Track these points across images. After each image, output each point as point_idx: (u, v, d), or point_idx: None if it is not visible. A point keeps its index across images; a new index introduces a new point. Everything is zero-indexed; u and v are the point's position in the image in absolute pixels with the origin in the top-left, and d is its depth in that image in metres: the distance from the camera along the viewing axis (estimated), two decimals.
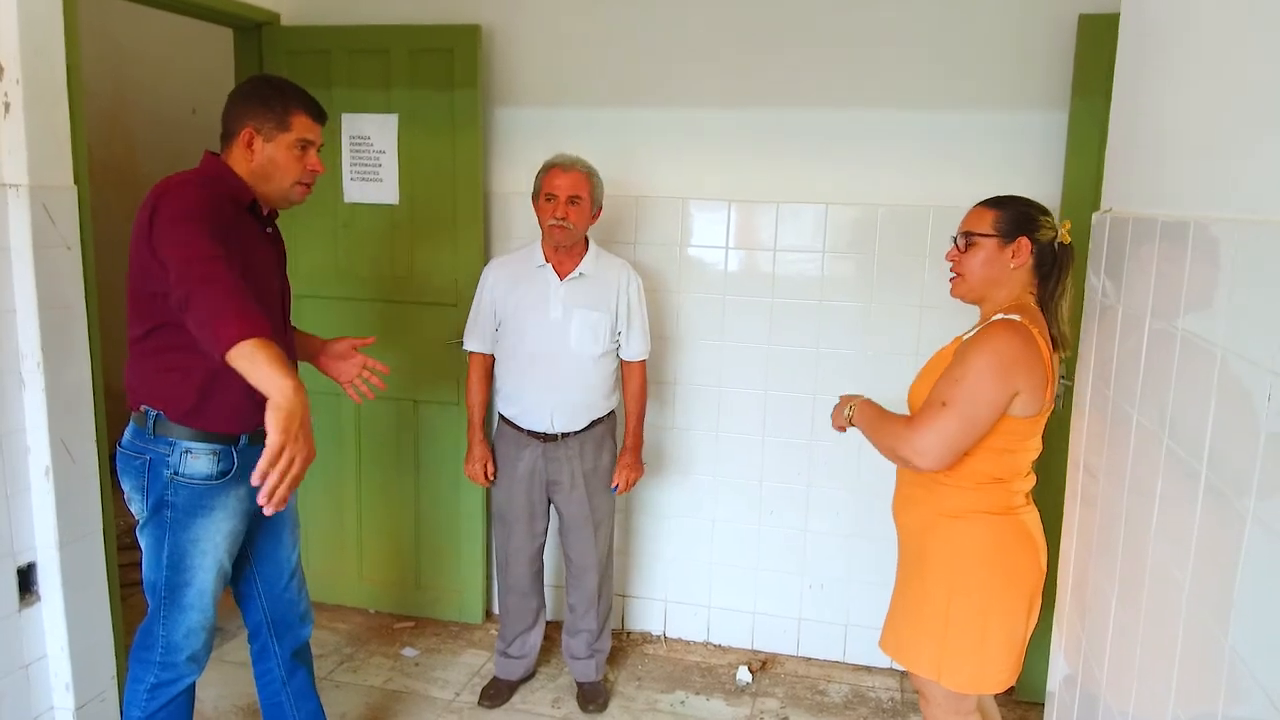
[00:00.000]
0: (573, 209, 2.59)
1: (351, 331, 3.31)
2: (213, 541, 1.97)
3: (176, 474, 1.91)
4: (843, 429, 2.13)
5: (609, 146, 3.09)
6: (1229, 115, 1.31)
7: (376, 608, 3.52)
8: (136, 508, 1.96)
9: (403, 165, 3.17)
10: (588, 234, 2.73)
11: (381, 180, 3.20)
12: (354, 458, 3.41)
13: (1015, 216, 1.88)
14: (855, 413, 2.06)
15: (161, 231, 1.77)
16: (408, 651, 3.24)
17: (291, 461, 1.54)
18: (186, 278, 1.67)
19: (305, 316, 3.33)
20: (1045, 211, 1.90)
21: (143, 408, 1.93)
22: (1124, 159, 1.90)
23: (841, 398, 2.15)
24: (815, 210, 3.02)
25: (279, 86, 1.99)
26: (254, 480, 1.54)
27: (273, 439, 1.52)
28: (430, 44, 3.07)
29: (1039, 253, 1.88)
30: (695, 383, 3.20)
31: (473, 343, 2.82)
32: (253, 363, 1.57)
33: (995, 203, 1.92)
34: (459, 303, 3.15)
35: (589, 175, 2.64)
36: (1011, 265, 1.88)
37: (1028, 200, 1.91)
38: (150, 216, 1.81)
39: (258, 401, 2.00)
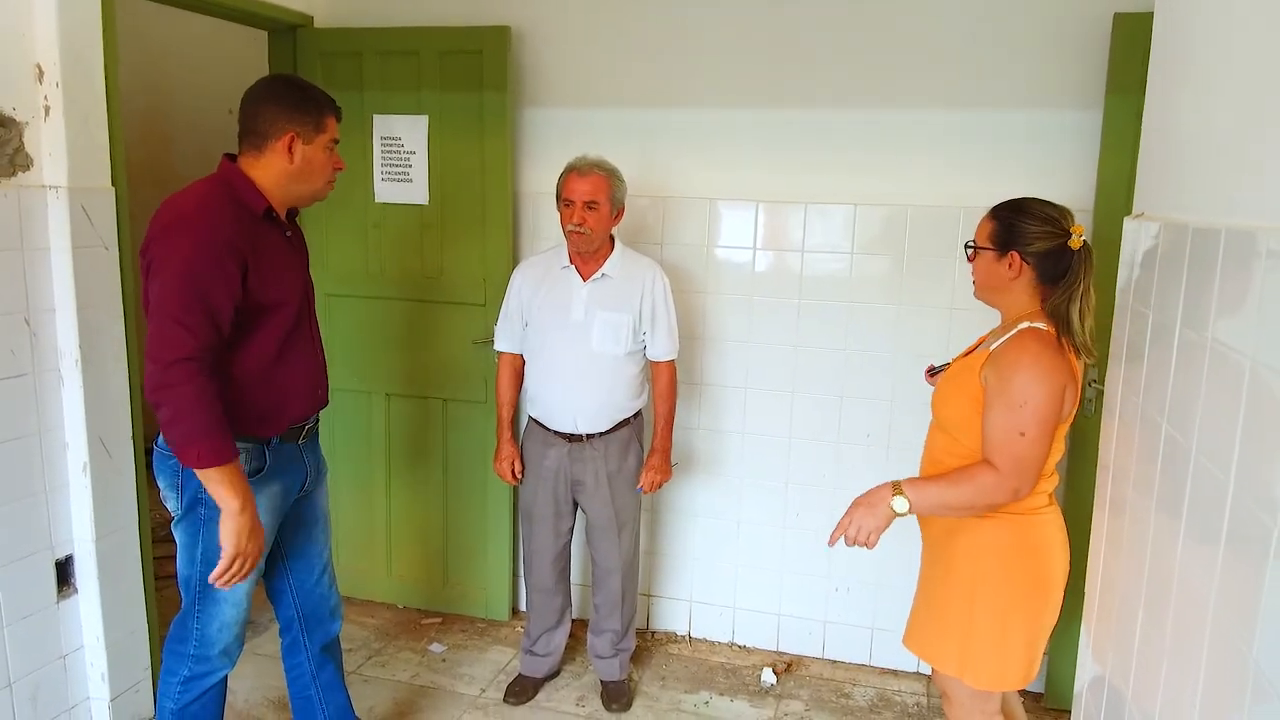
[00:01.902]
0: (590, 214, 2.58)
1: (380, 330, 3.36)
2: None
3: None
4: (881, 527, 1.85)
5: (637, 147, 3.10)
6: (1262, 118, 1.29)
7: (405, 603, 3.56)
8: (172, 505, 2.00)
9: (433, 166, 3.20)
10: (614, 234, 2.73)
11: (412, 181, 3.23)
12: (383, 455, 3.45)
13: (1005, 230, 1.87)
14: (913, 501, 1.83)
15: (153, 282, 1.83)
16: (435, 647, 3.28)
17: (244, 563, 1.90)
18: (158, 381, 1.79)
19: (336, 315, 3.39)
20: (1050, 219, 1.84)
21: None
22: (1156, 162, 1.87)
23: (863, 505, 1.87)
24: (844, 211, 3.00)
25: (308, 89, 2.01)
26: (211, 579, 1.91)
27: (226, 549, 1.87)
28: (460, 45, 3.09)
29: (1039, 263, 1.85)
30: (722, 384, 3.20)
31: (502, 342, 2.84)
32: (209, 481, 1.85)
33: (996, 211, 1.91)
34: (487, 302, 3.18)
35: (608, 177, 2.62)
36: (1008, 277, 1.88)
37: (1030, 208, 1.86)
38: (147, 249, 1.85)
39: (288, 401, 2.04)
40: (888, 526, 1.84)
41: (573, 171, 2.62)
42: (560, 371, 2.68)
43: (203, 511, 1.95)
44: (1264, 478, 1.12)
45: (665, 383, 2.79)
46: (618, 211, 2.67)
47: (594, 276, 2.67)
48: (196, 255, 1.82)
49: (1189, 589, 1.37)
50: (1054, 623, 1.94)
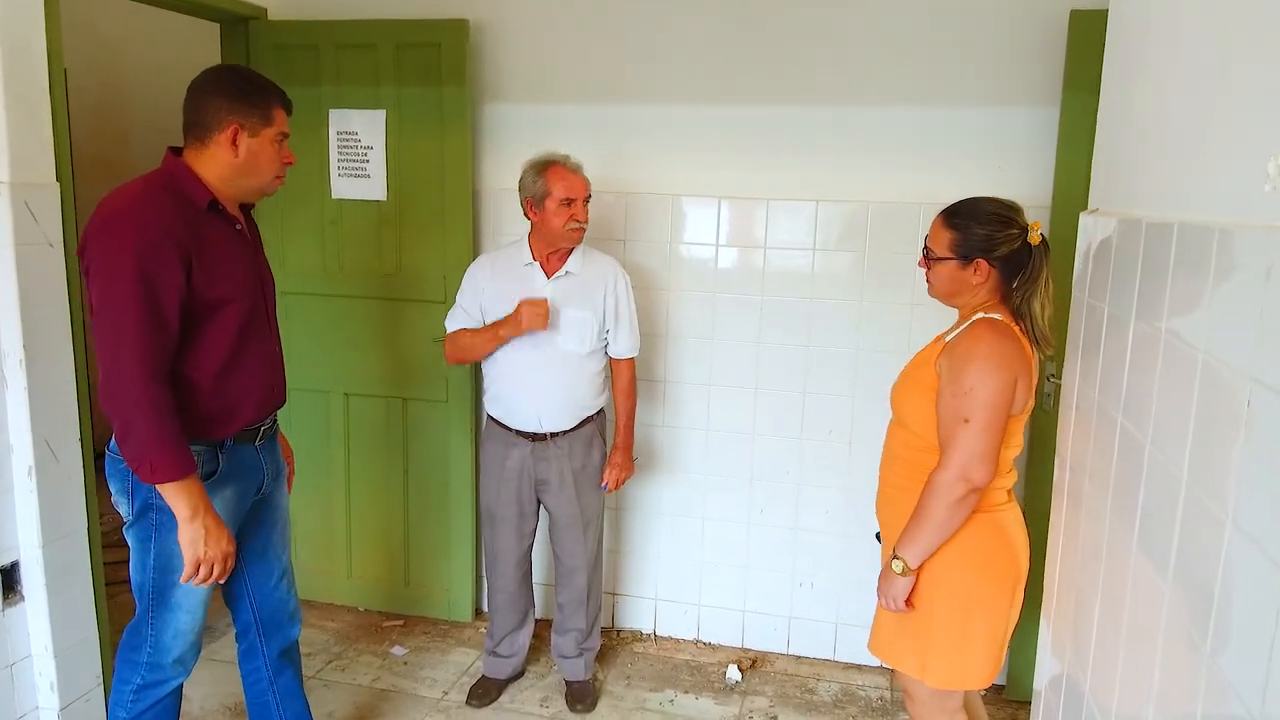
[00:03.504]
0: (585, 209, 2.62)
1: (339, 328, 3.31)
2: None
3: None
4: (901, 591, 1.90)
5: (598, 143, 3.08)
6: (1213, 114, 1.30)
7: (366, 606, 3.51)
8: (124, 510, 1.94)
9: (391, 161, 3.15)
10: None
11: (369, 176, 3.18)
12: (343, 456, 3.39)
13: (969, 240, 1.87)
14: (905, 554, 1.86)
15: (93, 283, 1.79)
16: (396, 650, 3.23)
17: (209, 568, 1.89)
18: (109, 390, 1.76)
19: (293, 314, 3.33)
20: (1008, 220, 1.86)
21: None
22: (1110, 159, 1.89)
23: (880, 580, 1.93)
24: (806, 207, 3.00)
25: (256, 80, 1.96)
26: (183, 580, 1.90)
27: (186, 557, 1.87)
28: (417, 39, 3.05)
29: (1004, 264, 1.87)
30: (685, 380, 3.19)
31: (454, 324, 2.73)
32: (164, 493, 1.83)
33: (953, 221, 1.91)
34: (447, 299, 3.12)
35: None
36: (974, 282, 1.89)
37: (988, 212, 1.87)
38: (84, 249, 1.80)
39: (241, 402, 1.99)
40: (908, 587, 1.90)
41: (559, 166, 2.59)
42: (524, 370, 2.65)
43: (155, 517, 1.90)
44: (1216, 470, 1.12)
45: (627, 380, 2.78)
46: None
47: (558, 274, 2.64)
48: (137, 253, 1.76)
49: (1144, 585, 1.38)
50: (1015, 620, 1.94)
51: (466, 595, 3.39)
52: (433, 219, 3.15)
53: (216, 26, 3.27)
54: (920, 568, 1.89)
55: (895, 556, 1.88)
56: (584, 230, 2.63)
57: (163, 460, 1.79)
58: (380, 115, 3.13)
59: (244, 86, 1.92)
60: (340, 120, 3.17)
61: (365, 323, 3.29)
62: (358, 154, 3.18)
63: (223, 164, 1.92)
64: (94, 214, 1.82)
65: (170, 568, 1.92)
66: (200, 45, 3.69)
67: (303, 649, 3.20)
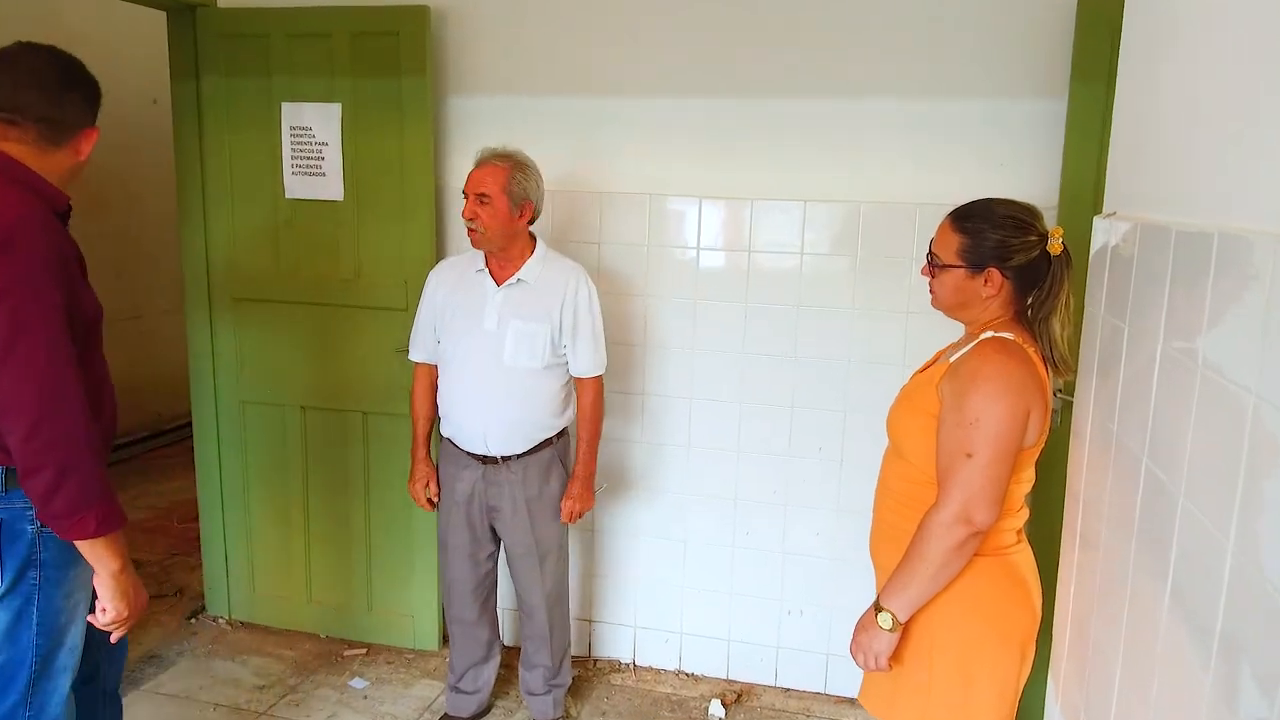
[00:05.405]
0: (482, 209, 2.33)
1: (293, 337, 3.09)
2: (86, 590, 1.75)
3: (44, 526, 1.66)
4: (885, 649, 1.68)
5: (571, 138, 2.87)
6: (1261, 102, 1.08)
7: (327, 632, 3.29)
8: None
9: (347, 159, 2.93)
10: (535, 234, 2.49)
11: (325, 175, 2.95)
12: (300, 472, 3.18)
13: (981, 247, 1.65)
14: (893, 606, 1.64)
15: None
16: (356, 683, 3.02)
17: (131, 615, 1.72)
18: (46, 440, 1.52)
19: (245, 321, 3.13)
20: (1025, 226, 1.64)
21: None
22: (1130, 155, 1.66)
23: (859, 631, 1.72)
24: (793, 208, 2.78)
25: (84, 70, 1.74)
26: (102, 627, 1.71)
27: (118, 610, 1.69)
28: (374, 26, 2.83)
29: (1018, 275, 1.65)
30: (664, 394, 2.97)
31: (417, 352, 2.59)
32: (94, 548, 1.62)
33: (963, 224, 1.68)
34: (409, 306, 2.91)
35: (507, 168, 2.35)
36: (984, 294, 1.67)
37: (1003, 215, 1.65)
38: None
39: (110, 428, 1.77)
40: (894, 643, 1.66)
41: (476, 161, 2.37)
42: (470, 385, 2.43)
43: (36, 575, 1.67)
44: (1269, 530, 0.91)
45: (589, 401, 2.52)
46: (521, 208, 2.37)
47: (508, 282, 2.41)
48: (43, 276, 1.53)
49: (1180, 654, 1.16)
50: (1025, 678, 1.71)
51: (432, 622, 3.17)
52: (392, 221, 2.93)
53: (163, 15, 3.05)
54: (912, 619, 1.67)
55: (881, 608, 1.66)
56: (478, 233, 2.34)
57: (108, 508, 1.59)
58: (335, 109, 2.91)
59: (88, 78, 1.74)
60: (293, 114, 2.95)
61: (322, 331, 3.07)
62: (312, 150, 2.95)
63: (67, 167, 1.73)
64: None
65: (56, 627, 1.70)
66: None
67: (258, 680, 3.01)
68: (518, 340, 2.38)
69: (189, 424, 3.32)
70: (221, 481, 3.26)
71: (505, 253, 2.41)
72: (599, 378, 2.51)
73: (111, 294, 4.98)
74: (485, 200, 2.32)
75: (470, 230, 2.36)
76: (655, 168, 2.86)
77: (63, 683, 1.76)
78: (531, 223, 2.44)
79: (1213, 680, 1.04)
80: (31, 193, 1.62)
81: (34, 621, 1.69)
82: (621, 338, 2.92)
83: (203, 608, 3.42)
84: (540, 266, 2.43)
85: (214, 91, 3.00)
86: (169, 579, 3.72)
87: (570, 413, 2.56)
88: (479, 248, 2.41)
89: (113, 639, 1.76)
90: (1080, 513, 1.73)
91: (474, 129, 2.94)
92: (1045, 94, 2.52)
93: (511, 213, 2.35)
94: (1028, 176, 2.54)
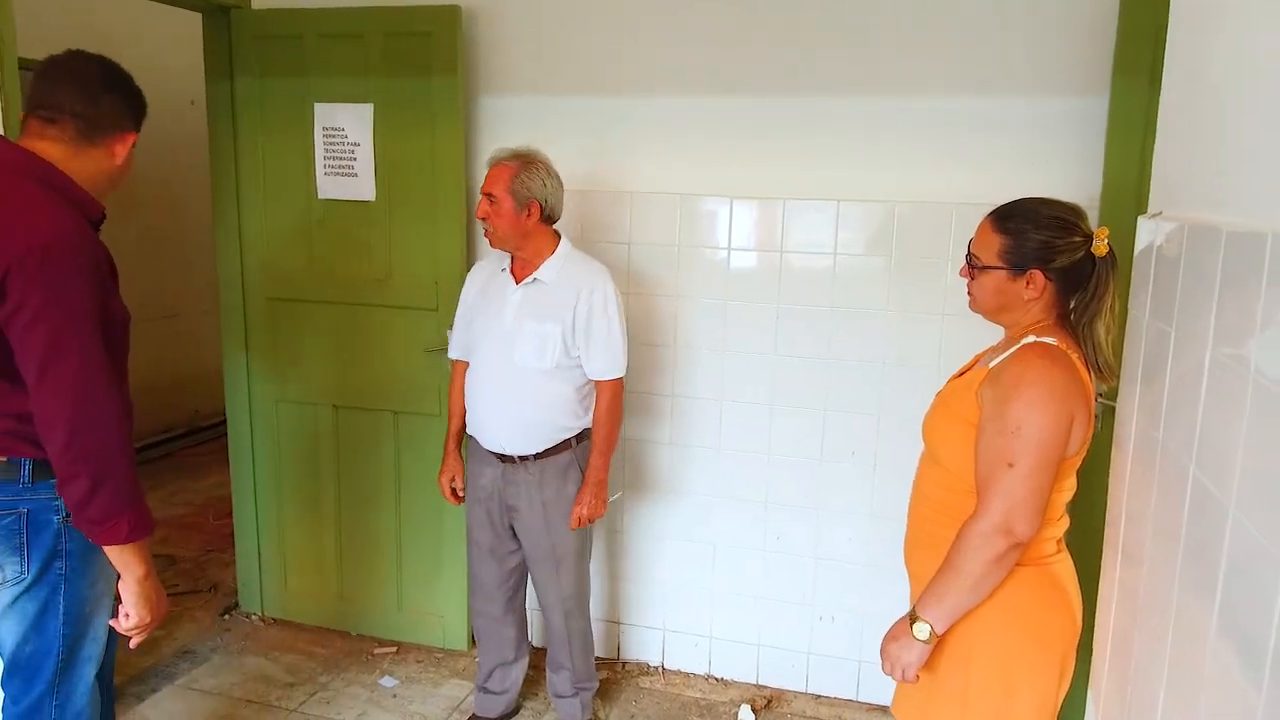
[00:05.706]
0: (491, 208, 2.33)
1: (326, 337, 3.10)
2: (109, 580, 1.78)
3: (69, 515, 1.67)
4: (917, 660, 1.62)
5: (600, 138, 2.85)
6: None
7: (358, 630, 3.31)
8: (12, 572, 1.69)
9: (379, 159, 2.93)
10: (560, 233, 2.46)
11: (357, 175, 2.96)
12: (332, 470, 3.19)
13: (1024, 248, 1.60)
14: (930, 616, 1.58)
15: (35, 327, 1.52)
16: (385, 681, 3.02)
17: (153, 621, 1.73)
18: (90, 448, 1.56)
19: (279, 321, 3.15)
20: (1070, 226, 1.59)
21: (4, 459, 1.66)
22: (1177, 152, 1.60)
23: (889, 642, 1.65)
24: (826, 208, 2.73)
25: (129, 79, 1.76)
26: (124, 632, 1.73)
27: (140, 616, 1.69)
28: (406, 27, 2.83)
29: (1062, 278, 1.60)
30: (694, 395, 2.94)
31: (455, 349, 2.61)
32: (122, 553, 1.64)
33: (1005, 224, 1.63)
34: (439, 307, 2.92)
35: (514, 167, 2.32)
36: (1026, 297, 1.62)
37: (1046, 215, 1.60)
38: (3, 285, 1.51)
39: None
40: (925, 655, 1.61)
41: (488, 162, 2.38)
42: (488, 384, 2.43)
43: (61, 565, 1.69)
44: None
45: (604, 405, 2.45)
46: (527, 207, 2.33)
47: (525, 281, 2.40)
48: (89, 285, 1.56)
49: (1229, 681, 1.11)
50: (1065, 689, 1.66)
51: (461, 622, 3.17)
52: (424, 220, 2.93)
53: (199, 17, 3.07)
54: (949, 630, 1.62)
55: (917, 618, 1.62)
56: (491, 234, 2.36)
57: (140, 514, 1.62)
58: (368, 109, 2.91)
59: (129, 83, 1.77)
60: (326, 115, 2.96)
61: (354, 331, 3.08)
62: (344, 151, 2.96)
63: (105, 170, 1.74)
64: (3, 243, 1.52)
65: (81, 616, 1.73)
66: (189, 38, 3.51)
67: (289, 677, 3.03)
68: (528, 340, 2.36)
69: (225, 421, 3.35)
70: (255, 479, 3.29)
71: (522, 252, 2.40)
72: (616, 381, 2.45)
73: (151, 295, 5.10)
74: (493, 200, 2.32)
75: (486, 230, 2.37)
76: (686, 167, 2.83)
77: (88, 672, 1.78)
78: (548, 222, 2.40)
79: (1265, 704, 0.99)
80: (68, 201, 1.63)
81: (60, 611, 1.71)
82: (651, 339, 2.90)
83: (236, 604, 3.45)
84: (560, 266, 2.41)
85: (248, 92, 3.02)
86: (204, 575, 3.76)
87: (591, 416, 2.52)
88: (494, 247, 2.42)
89: (131, 645, 1.76)
90: (1123, 523, 1.67)
91: (504, 129, 2.93)
92: (1086, 90, 2.46)
93: (517, 212, 2.32)
94: (1068, 175, 2.48)
